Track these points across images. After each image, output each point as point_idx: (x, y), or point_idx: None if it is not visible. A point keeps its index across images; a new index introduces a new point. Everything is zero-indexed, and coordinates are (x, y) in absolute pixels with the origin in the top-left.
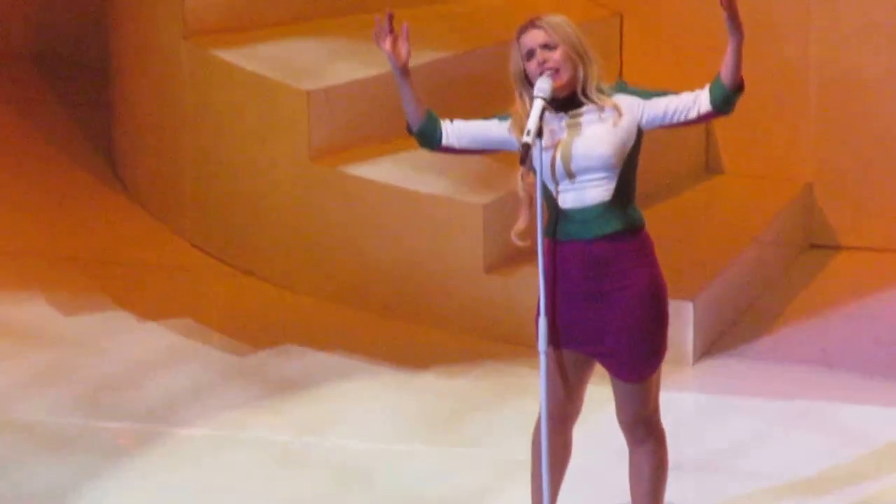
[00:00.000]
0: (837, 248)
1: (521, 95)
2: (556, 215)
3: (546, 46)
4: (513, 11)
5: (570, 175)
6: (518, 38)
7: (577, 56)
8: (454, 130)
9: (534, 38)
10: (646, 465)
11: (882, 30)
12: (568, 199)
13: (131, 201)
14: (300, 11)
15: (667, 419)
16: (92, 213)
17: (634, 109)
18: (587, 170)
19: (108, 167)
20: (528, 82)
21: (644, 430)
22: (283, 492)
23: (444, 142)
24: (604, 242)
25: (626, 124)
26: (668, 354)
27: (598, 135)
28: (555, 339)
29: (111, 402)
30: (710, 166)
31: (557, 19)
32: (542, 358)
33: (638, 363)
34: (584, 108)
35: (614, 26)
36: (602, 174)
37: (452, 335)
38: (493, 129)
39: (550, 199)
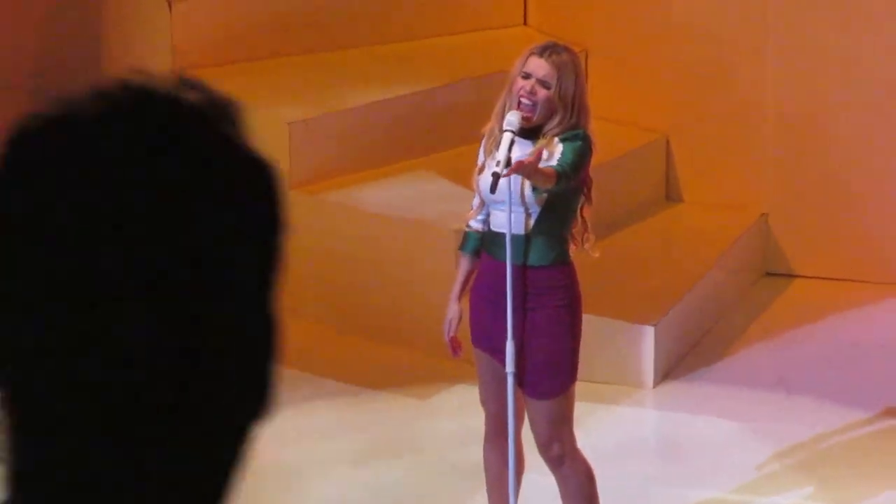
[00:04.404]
0: (792, 276)
1: (503, 105)
2: (489, 234)
3: (542, 82)
4: (490, 48)
5: (542, 203)
6: (529, 54)
7: (561, 105)
8: (477, 221)
9: (538, 67)
10: (568, 487)
11: (838, 61)
12: (500, 221)
13: None
14: (283, 47)
15: (627, 440)
16: None
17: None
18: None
19: None
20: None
21: (559, 449)
22: None
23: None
24: (524, 268)
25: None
26: (629, 377)
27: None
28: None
29: None
30: (670, 195)
31: (568, 61)
32: (510, 380)
33: (543, 381)
34: (542, 141)
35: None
36: (531, 208)
37: (428, 356)
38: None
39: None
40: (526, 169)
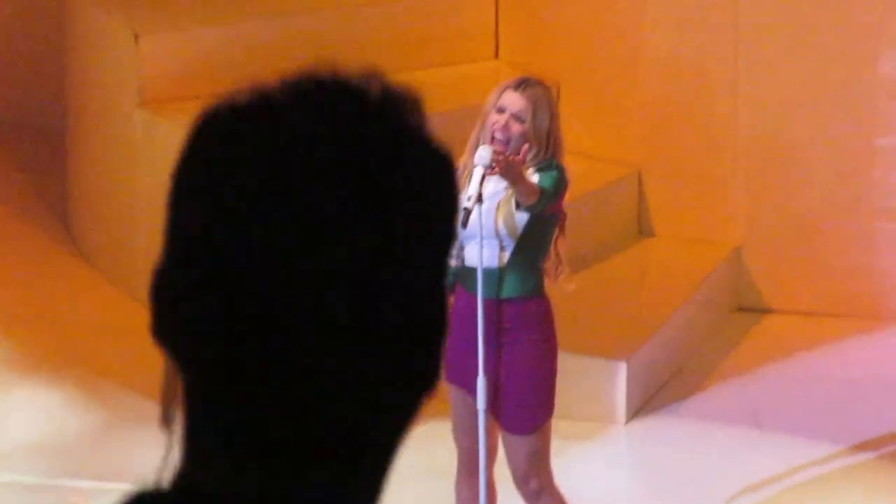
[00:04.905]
0: (765, 311)
1: (476, 139)
2: (463, 269)
3: (516, 116)
4: (461, 82)
5: (515, 235)
6: (503, 88)
7: (536, 139)
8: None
9: (513, 101)
10: None
11: (809, 96)
12: (475, 256)
13: (86, 264)
14: (254, 80)
15: (599, 477)
16: (46, 276)
17: None
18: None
19: (62, 230)
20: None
21: (536, 484)
22: None
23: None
24: (498, 302)
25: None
26: (602, 413)
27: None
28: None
29: (68, 460)
30: (642, 229)
31: (542, 95)
32: (481, 416)
33: (520, 416)
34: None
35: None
36: (505, 241)
37: None
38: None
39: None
40: (513, 169)
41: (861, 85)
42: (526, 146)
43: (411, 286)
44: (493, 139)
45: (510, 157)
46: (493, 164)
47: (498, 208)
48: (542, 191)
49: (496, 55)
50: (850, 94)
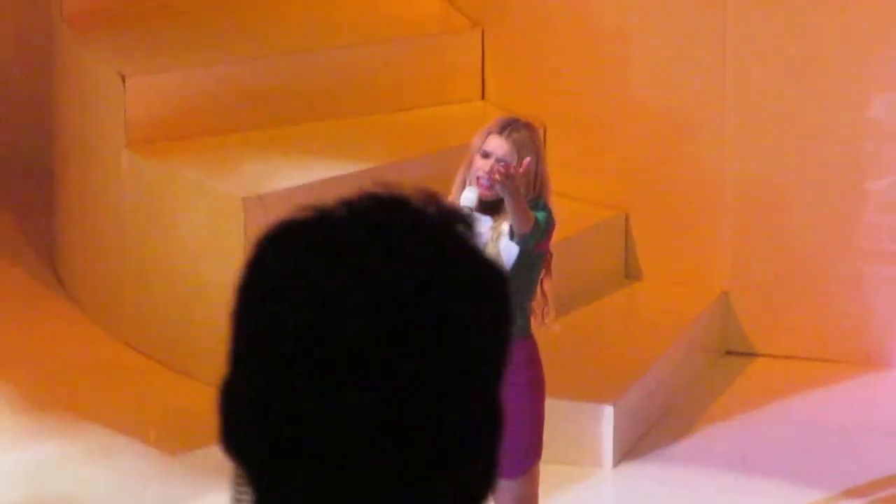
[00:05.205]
0: (753, 354)
1: (461, 180)
2: None
3: (502, 161)
4: (448, 122)
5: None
6: (488, 132)
7: (523, 181)
8: None
9: (498, 146)
10: None
11: (797, 139)
12: None
13: (71, 302)
14: (237, 123)
15: None
16: (31, 313)
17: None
18: None
19: (49, 269)
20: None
21: None
22: None
23: None
24: None
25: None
26: (589, 457)
27: (505, 249)
28: None
29: (43, 496)
30: (629, 272)
31: (527, 137)
32: None
33: (509, 460)
34: (502, 217)
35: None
36: None
37: None
38: None
39: None
40: (513, 183)
41: (850, 128)
42: (528, 159)
43: (471, 395)
44: (477, 180)
45: (513, 167)
46: (493, 179)
47: (484, 248)
48: (536, 222)
49: (483, 96)
50: (839, 138)
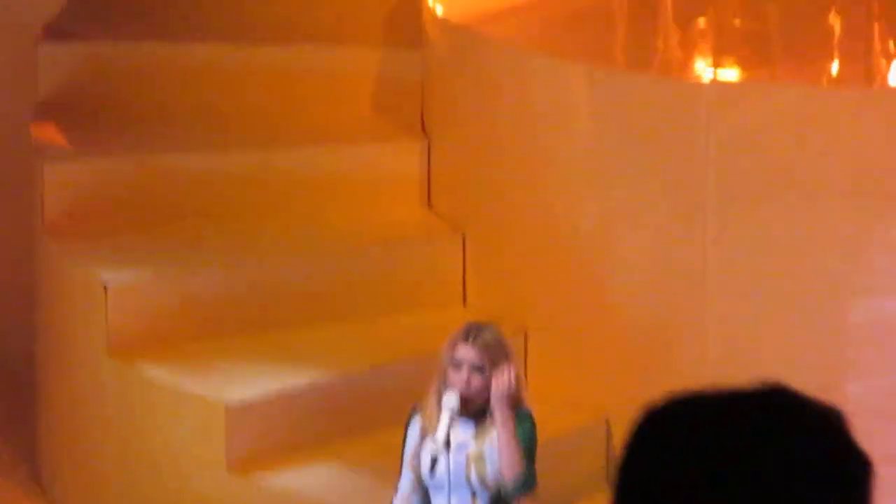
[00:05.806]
0: None
1: (437, 389)
2: None
3: (474, 367)
4: (428, 329)
5: (487, 486)
6: (453, 342)
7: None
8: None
9: (466, 353)
10: None
11: (777, 343)
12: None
13: None
14: (223, 327)
15: None
16: None
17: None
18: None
19: (33, 479)
20: (446, 383)
21: None
22: None
23: None
24: None
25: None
26: None
27: (495, 455)
28: None
29: None
30: (610, 477)
31: (492, 339)
32: None
33: None
34: (488, 421)
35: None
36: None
37: None
38: (407, 476)
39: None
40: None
41: (831, 332)
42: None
43: None
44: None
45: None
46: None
47: (468, 460)
48: (526, 477)
49: (464, 303)
50: (820, 341)
